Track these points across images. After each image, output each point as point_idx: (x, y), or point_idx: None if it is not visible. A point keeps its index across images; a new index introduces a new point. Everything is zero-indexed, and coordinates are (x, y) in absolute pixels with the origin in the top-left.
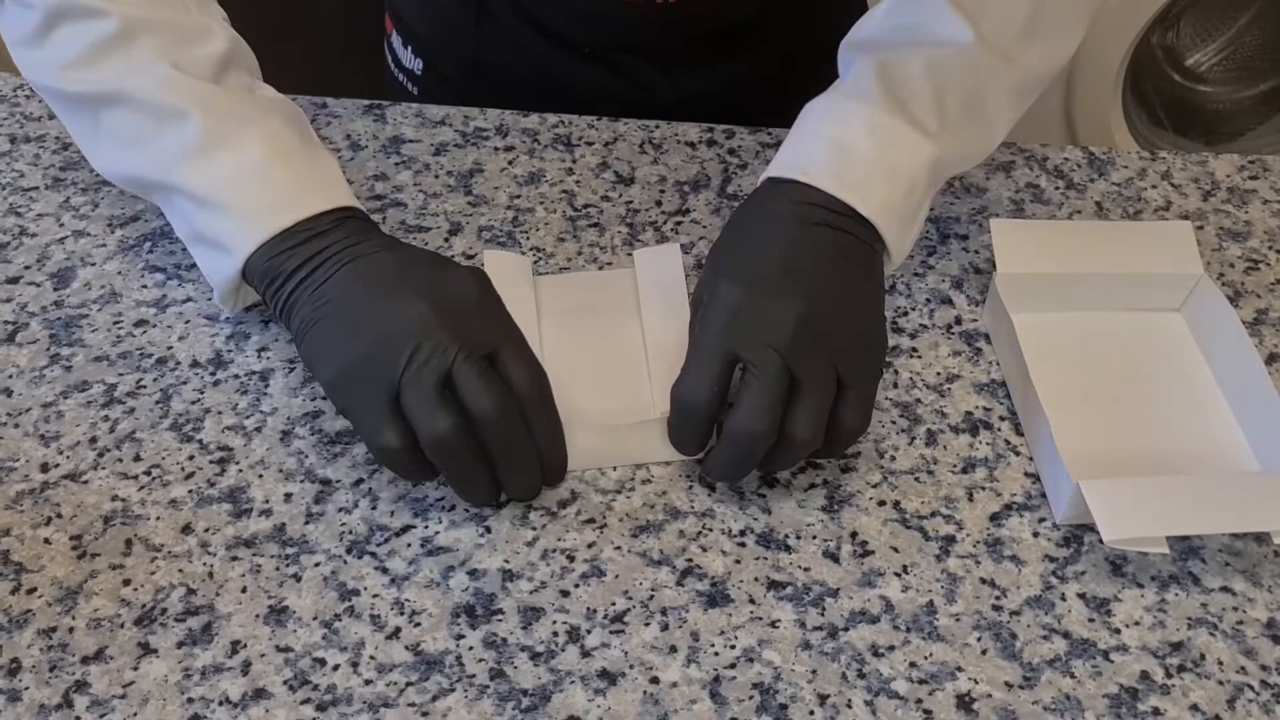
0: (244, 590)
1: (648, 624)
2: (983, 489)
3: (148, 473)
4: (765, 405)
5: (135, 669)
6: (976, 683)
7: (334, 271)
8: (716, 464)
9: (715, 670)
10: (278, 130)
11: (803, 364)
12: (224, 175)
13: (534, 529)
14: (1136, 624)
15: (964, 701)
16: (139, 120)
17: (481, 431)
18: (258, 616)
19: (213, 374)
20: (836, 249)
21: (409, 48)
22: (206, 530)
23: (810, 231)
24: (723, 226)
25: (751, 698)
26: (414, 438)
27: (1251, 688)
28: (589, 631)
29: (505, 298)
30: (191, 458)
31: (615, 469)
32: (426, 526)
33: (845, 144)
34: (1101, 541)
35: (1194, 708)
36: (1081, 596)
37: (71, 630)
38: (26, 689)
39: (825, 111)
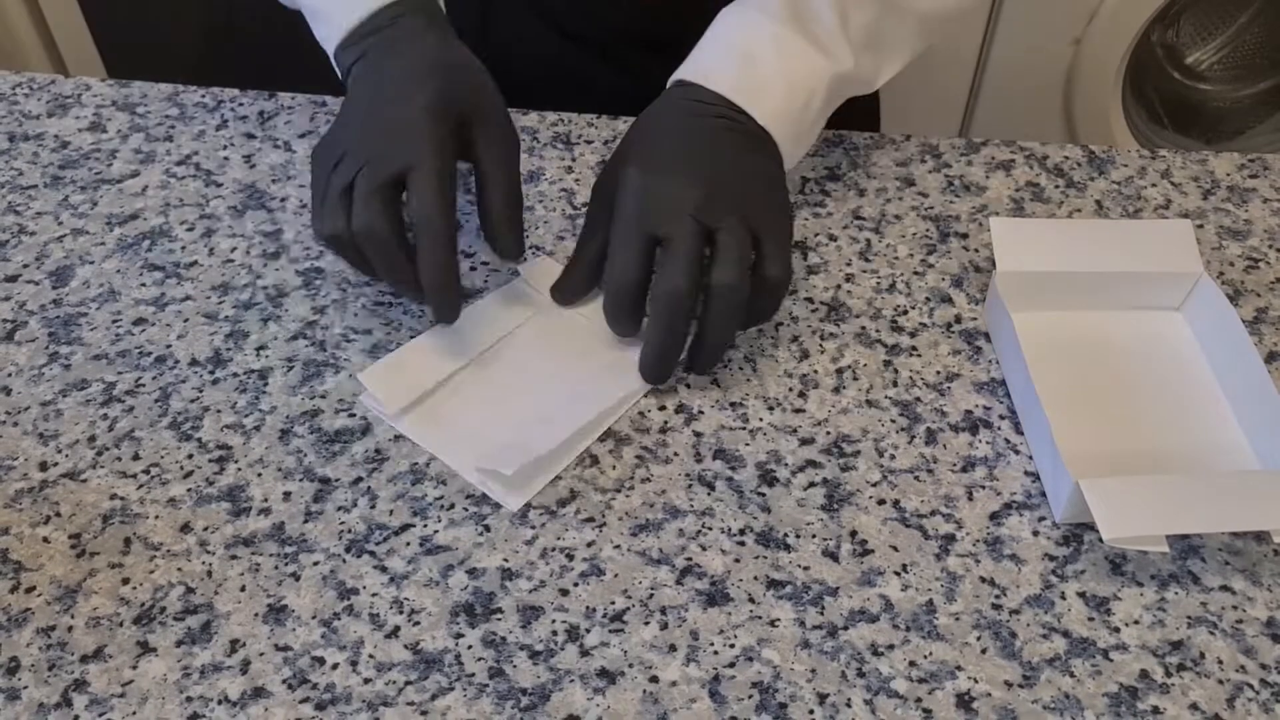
0: (243, 589)
1: (647, 623)
2: (982, 488)
3: (146, 471)
4: (684, 264)
5: (134, 668)
6: (976, 682)
7: (362, 73)
8: (651, 337)
9: (715, 669)
10: None
11: (716, 220)
12: None
13: (533, 528)
14: (1136, 623)
15: (964, 701)
16: None
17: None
18: (257, 615)
19: (211, 373)
20: (733, 134)
21: None
22: (205, 529)
23: (709, 121)
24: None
25: (751, 697)
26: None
27: (1251, 687)
28: (588, 630)
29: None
30: (190, 456)
31: (614, 468)
32: (425, 525)
33: (749, 54)
34: (1101, 540)
35: (1194, 707)
36: (1081, 595)
37: (70, 629)
38: (25, 688)
39: (734, 22)
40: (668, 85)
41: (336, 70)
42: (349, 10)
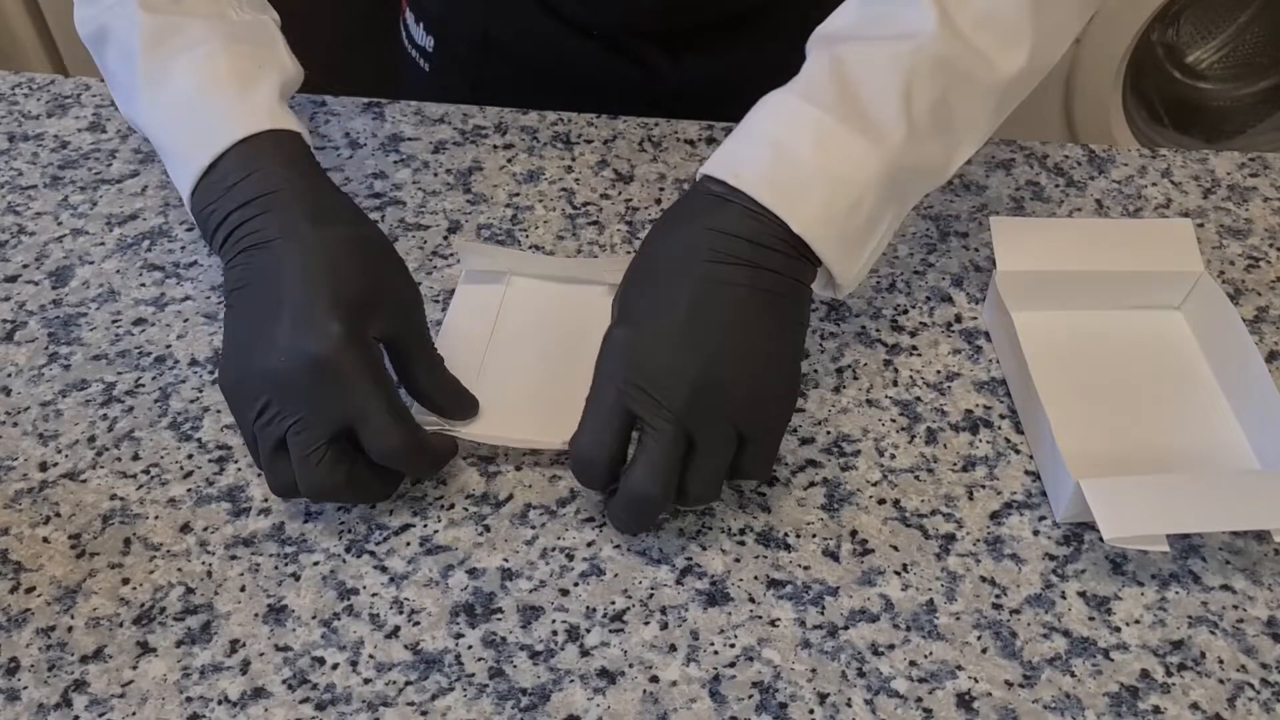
0: (243, 589)
1: (647, 623)
2: (983, 487)
3: (146, 471)
4: (659, 469)
5: (134, 668)
6: (976, 681)
7: (237, 252)
8: (616, 517)
9: (715, 669)
10: (214, 53)
11: (699, 427)
12: (162, 109)
13: (533, 528)
14: (1137, 622)
15: (964, 700)
16: (116, 58)
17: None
18: (256, 615)
19: (211, 372)
20: (752, 292)
21: (421, 24)
22: (205, 529)
23: (725, 271)
24: (646, 236)
25: (751, 696)
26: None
27: (1252, 686)
28: (588, 630)
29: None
30: (190, 456)
31: None
32: (425, 525)
33: (786, 148)
34: (1102, 540)
35: (1194, 706)
36: (1082, 595)
37: (70, 629)
38: (25, 688)
39: (775, 108)
40: (697, 176)
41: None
42: (193, 162)
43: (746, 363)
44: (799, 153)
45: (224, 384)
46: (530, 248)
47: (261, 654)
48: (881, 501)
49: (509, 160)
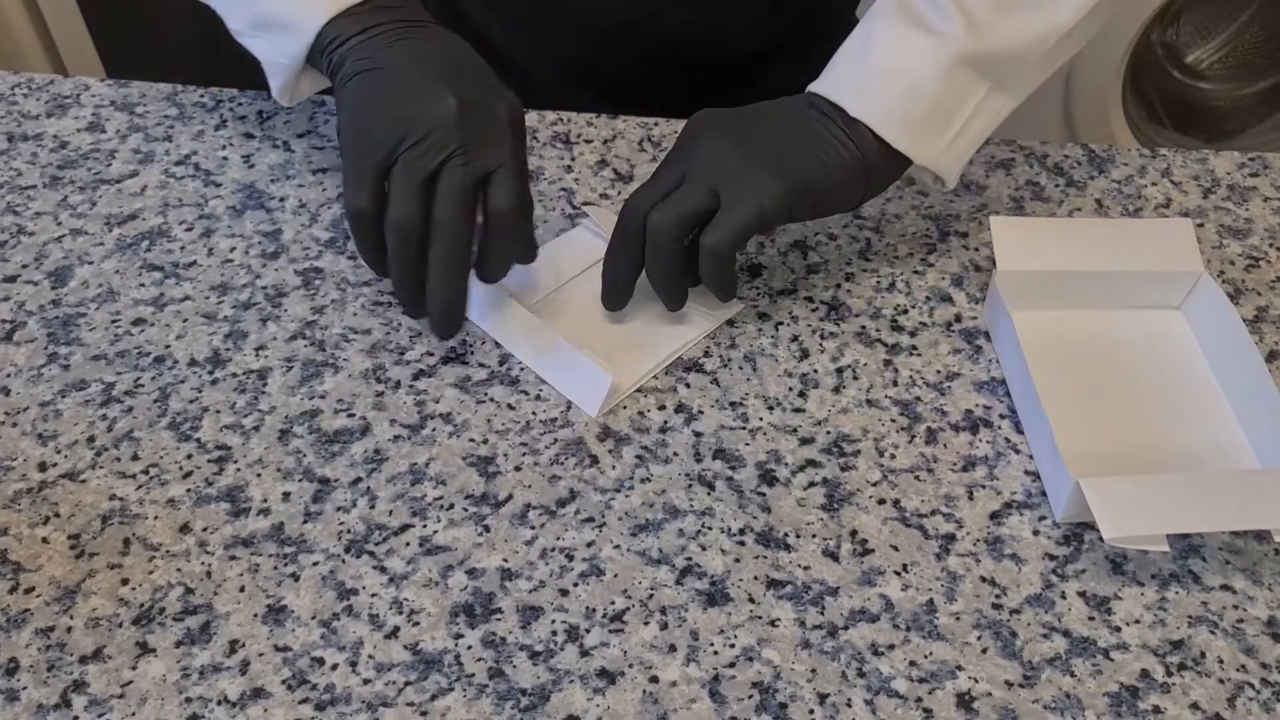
0: (242, 589)
1: (647, 623)
2: (983, 487)
3: (145, 472)
4: (674, 206)
5: (133, 668)
6: (977, 681)
7: (389, 42)
8: (646, 258)
9: (715, 669)
10: None
11: (725, 193)
12: None
13: (533, 528)
14: (1137, 622)
15: (964, 700)
16: None
17: (432, 231)
18: (256, 616)
19: (210, 373)
20: (811, 134)
21: None
22: (205, 529)
23: (800, 118)
24: None
25: (751, 697)
26: (383, 209)
27: (1252, 686)
28: (588, 630)
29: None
30: (190, 457)
31: (614, 468)
32: (425, 526)
33: (850, 53)
34: (1102, 540)
35: (1194, 706)
36: (1082, 595)
37: (69, 630)
38: (24, 688)
39: (854, 31)
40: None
41: (310, 61)
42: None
43: (777, 165)
44: (859, 55)
45: (360, 122)
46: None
47: (261, 654)
48: (881, 501)
49: None
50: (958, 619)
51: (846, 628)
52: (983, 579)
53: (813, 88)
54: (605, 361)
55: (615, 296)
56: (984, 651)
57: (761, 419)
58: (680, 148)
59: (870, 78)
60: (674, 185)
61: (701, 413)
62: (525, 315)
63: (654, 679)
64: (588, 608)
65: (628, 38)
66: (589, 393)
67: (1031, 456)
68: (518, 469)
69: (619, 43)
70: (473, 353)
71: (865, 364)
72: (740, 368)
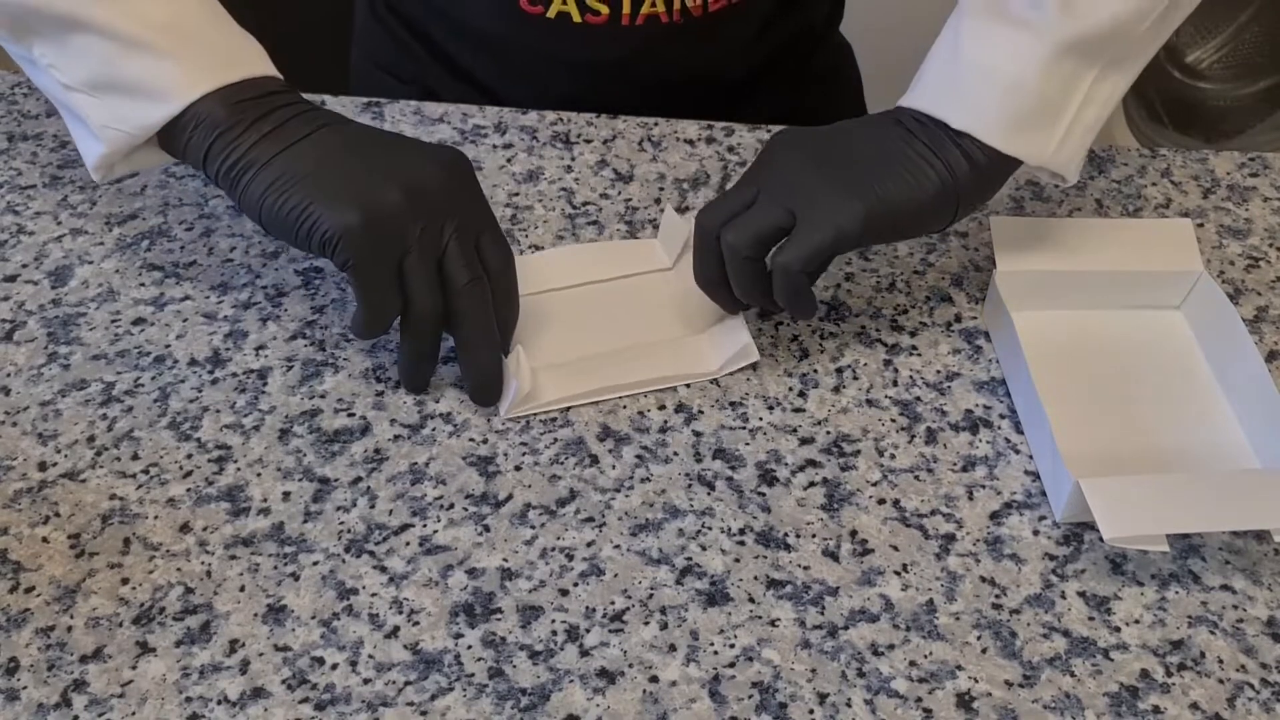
0: (242, 589)
1: (647, 623)
2: (982, 487)
3: (146, 471)
4: (748, 224)
5: (133, 668)
6: (976, 681)
7: (310, 130)
8: (730, 273)
9: (714, 669)
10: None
11: (800, 214)
12: (158, 21)
13: (533, 528)
14: (1136, 622)
15: (964, 700)
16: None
17: (456, 301)
18: (256, 615)
19: (210, 372)
20: (897, 154)
21: None
22: (205, 529)
23: (888, 135)
24: None
25: (751, 697)
26: (402, 306)
27: (1251, 686)
28: (588, 630)
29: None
30: (190, 456)
31: (614, 468)
32: (425, 525)
33: (941, 56)
34: (1101, 540)
35: (1194, 706)
36: (1082, 595)
37: (70, 629)
38: (25, 688)
39: (942, 33)
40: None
41: (171, 132)
42: (226, 65)
43: (857, 189)
44: (950, 59)
45: (352, 229)
46: (530, 248)
47: (261, 654)
48: (881, 501)
49: (508, 160)
50: (958, 619)
51: (846, 628)
52: (983, 579)
53: (904, 102)
54: (556, 370)
55: (725, 303)
56: (984, 651)
57: (761, 419)
58: (757, 165)
59: (966, 82)
60: (746, 202)
61: (701, 413)
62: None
63: (654, 679)
64: (588, 607)
65: (621, 74)
66: (506, 394)
67: (1031, 456)
68: (518, 469)
69: (613, 79)
70: None
71: (865, 364)
72: (740, 367)
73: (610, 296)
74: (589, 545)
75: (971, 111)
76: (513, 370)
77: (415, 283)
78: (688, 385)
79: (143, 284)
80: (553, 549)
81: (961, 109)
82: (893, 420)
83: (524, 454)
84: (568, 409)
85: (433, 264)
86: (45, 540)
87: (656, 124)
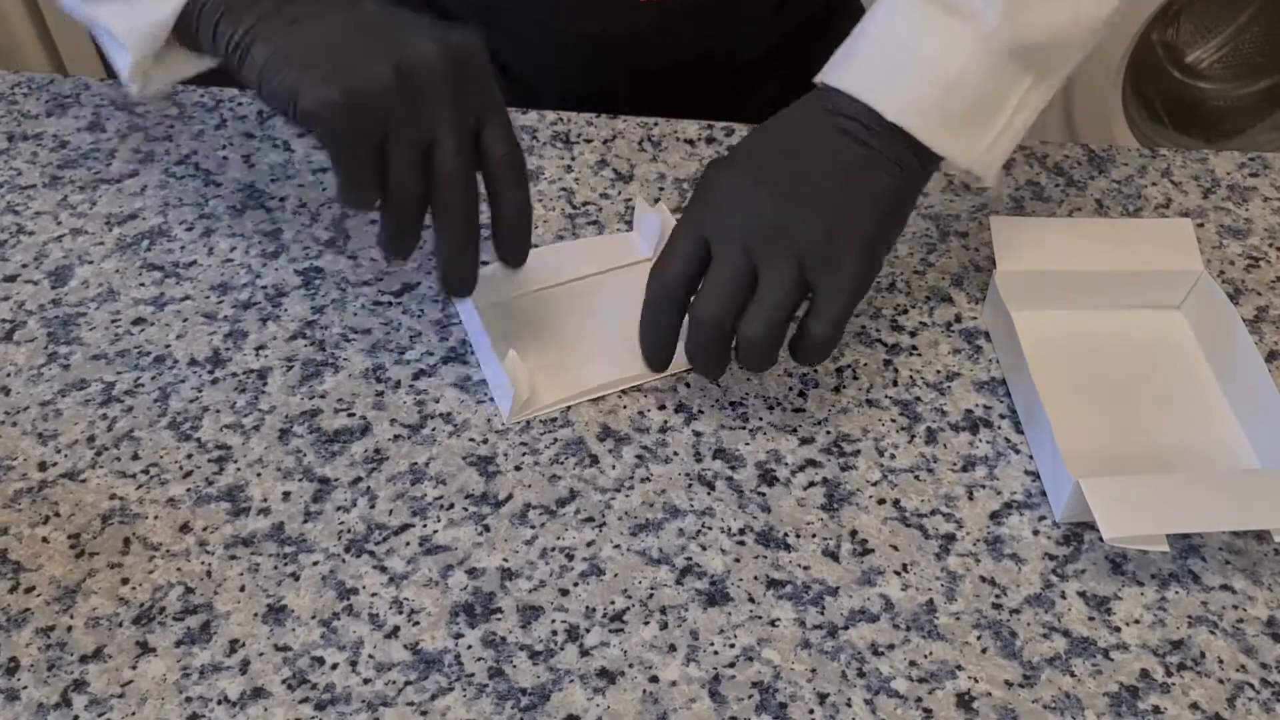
0: (242, 589)
1: (647, 623)
2: (983, 487)
3: (146, 471)
4: (717, 292)
5: (134, 668)
6: (976, 681)
7: (322, 8)
8: (687, 348)
9: (715, 669)
10: None
11: (765, 261)
12: None
13: (533, 527)
14: (1137, 622)
15: (964, 700)
16: None
17: (439, 194)
18: (256, 615)
19: (210, 372)
20: (850, 158)
21: None
22: (205, 529)
23: (827, 138)
24: None
25: (751, 697)
26: (383, 183)
27: (1252, 686)
28: (588, 630)
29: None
30: (190, 456)
31: (614, 468)
32: (425, 525)
33: (877, 38)
34: (1101, 540)
35: (1194, 706)
36: (1081, 595)
37: (70, 629)
38: (25, 688)
39: (878, 3)
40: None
41: (181, 27)
42: None
43: (822, 212)
44: (888, 43)
45: (337, 104)
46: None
47: (261, 654)
48: (881, 501)
49: None
50: (958, 619)
51: (846, 628)
52: (983, 579)
53: (833, 81)
54: (553, 371)
55: (659, 367)
56: (984, 651)
57: (761, 419)
58: (699, 203)
59: (905, 72)
60: (700, 257)
61: (701, 412)
62: (472, 312)
63: (654, 679)
64: (588, 607)
65: (635, 51)
66: (502, 397)
67: (1031, 456)
68: (518, 469)
69: (626, 57)
70: (473, 352)
71: (865, 364)
72: (740, 367)
73: (598, 292)
74: (589, 545)
75: (911, 107)
76: (511, 376)
77: (394, 166)
78: (688, 385)
79: (143, 284)
80: (553, 549)
81: (899, 101)
82: (893, 420)
83: (524, 454)
84: (568, 409)
85: (415, 148)
86: (45, 540)
87: (656, 124)
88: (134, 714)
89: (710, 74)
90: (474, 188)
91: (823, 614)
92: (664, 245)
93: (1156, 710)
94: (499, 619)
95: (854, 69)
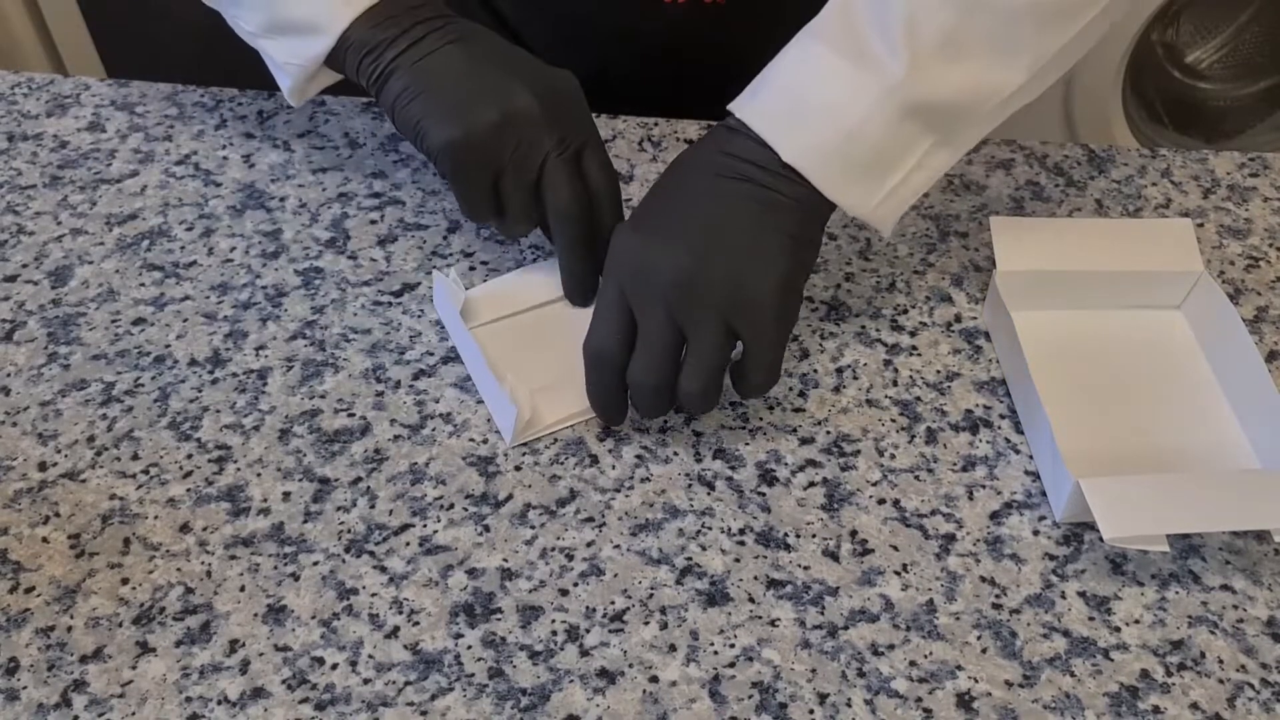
0: (242, 589)
1: (647, 623)
2: (983, 487)
3: (146, 471)
4: (651, 360)
5: (133, 668)
6: (976, 681)
7: (440, 45)
8: (632, 402)
9: (715, 669)
10: None
11: (687, 320)
12: None
13: (532, 528)
14: (1137, 622)
15: (964, 700)
16: None
17: (556, 221)
18: (256, 615)
19: (211, 372)
20: (746, 201)
21: None
22: (205, 529)
23: (726, 185)
24: None
25: (751, 697)
26: (500, 209)
27: (1252, 686)
28: (588, 630)
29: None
30: (190, 456)
31: (614, 468)
32: (425, 525)
33: (785, 82)
34: (1102, 540)
35: (1194, 706)
36: (1082, 595)
37: (70, 629)
38: (25, 688)
39: (790, 46)
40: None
41: (333, 61)
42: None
43: (732, 259)
44: (795, 85)
45: (456, 141)
46: (530, 247)
47: (261, 654)
48: (881, 501)
49: None
50: (958, 619)
51: (846, 628)
52: (983, 579)
53: (740, 110)
54: (552, 392)
55: (617, 423)
56: (984, 651)
57: (761, 419)
58: (615, 270)
59: (807, 118)
60: (627, 322)
61: None
62: (466, 334)
63: (654, 679)
64: (588, 607)
65: (658, 53)
66: (505, 421)
67: (1031, 456)
68: (518, 469)
69: (649, 59)
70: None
71: (865, 364)
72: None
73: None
74: (589, 545)
75: (807, 150)
76: (511, 398)
77: (509, 200)
78: None
79: (143, 284)
80: (553, 549)
81: (797, 143)
82: (893, 420)
83: (524, 454)
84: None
85: (527, 182)
86: (45, 540)
87: (656, 124)
88: (134, 714)
89: (731, 81)
90: (585, 210)
91: (823, 614)
92: (594, 316)
93: (1156, 710)
94: (499, 619)
95: (759, 104)
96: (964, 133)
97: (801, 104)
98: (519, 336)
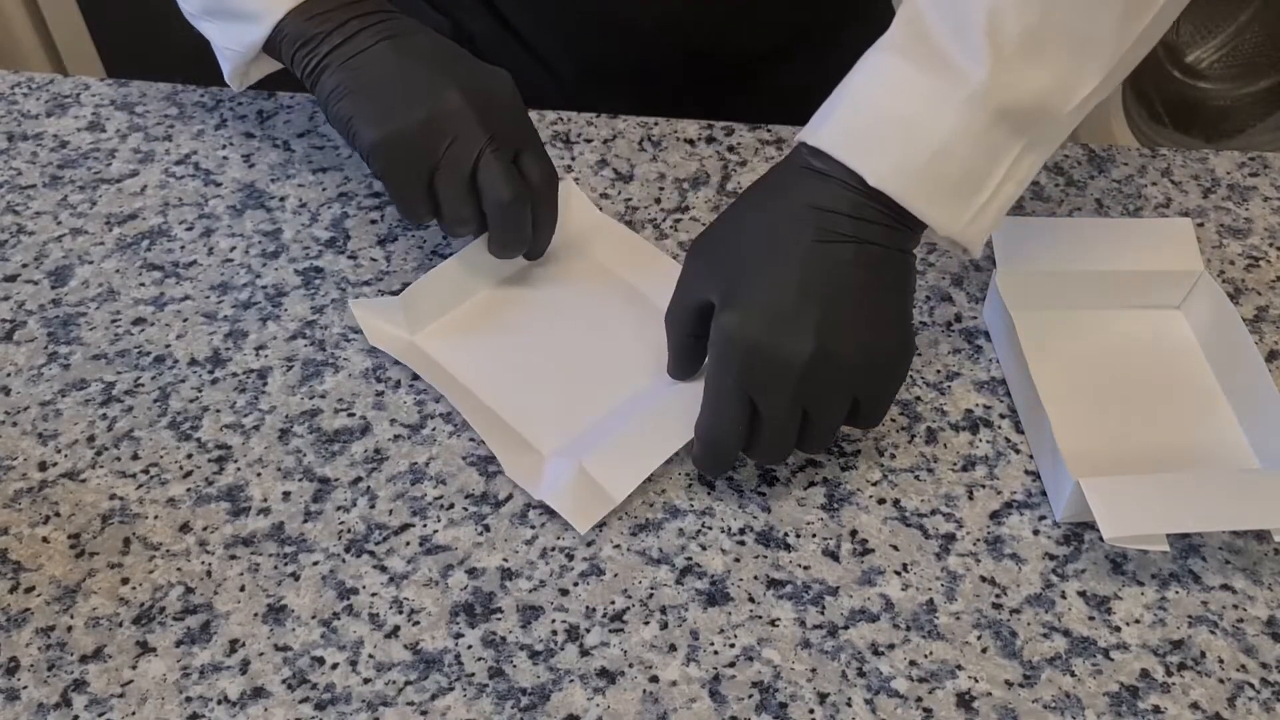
0: (242, 589)
1: (647, 623)
2: (983, 487)
3: (146, 471)
4: (778, 443)
5: (134, 668)
6: (976, 681)
7: (372, 43)
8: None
9: (715, 669)
10: None
11: (814, 401)
12: None
13: (533, 528)
14: (1137, 622)
15: (964, 700)
16: None
17: (491, 213)
18: (256, 615)
19: (211, 372)
20: (856, 268)
21: None
22: (205, 529)
23: (832, 252)
24: (733, 205)
25: (751, 696)
26: (437, 208)
27: (1252, 686)
28: (588, 630)
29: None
30: (190, 456)
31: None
32: (425, 525)
33: (862, 100)
34: (1102, 539)
35: (1194, 706)
36: (1082, 594)
37: (70, 629)
38: (25, 688)
39: (860, 62)
40: (794, 140)
41: (268, 49)
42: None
43: (857, 332)
44: (872, 103)
45: (388, 139)
46: None
47: (261, 654)
48: (881, 501)
49: None
50: (958, 619)
51: (846, 627)
52: (983, 579)
53: (815, 140)
54: (599, 464)
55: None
56: (984, 651)
57: None
58: (729, 359)
59: (888, 137)
60: (744, 411)
61: None
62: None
63: (654, 679)
64: (588, 607)
65: (655, 37)
66: (561, 504)
67: (1031, 456)
68: None
69: (646, 44)
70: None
71: None
72: None
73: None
74: (589, 545)
75: (894, 168)
76: (566, 484)
77: (443, 195)
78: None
79: (143, 284)
80: (553, 549)
81: (879, 162)
82: (893, 420)
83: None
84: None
85: (461, 178)
86: (45, 540)
87: (656, 124)
88: (134, 714)
89: (738, 59)
90: (521, 205)
91: (823, 614)
92: (707, 403)
93: (1156, 710)
94: (499, 619)
95: (832, 126)
96: (1046, 136)
97: (880, 124)
98: (481, 342)
